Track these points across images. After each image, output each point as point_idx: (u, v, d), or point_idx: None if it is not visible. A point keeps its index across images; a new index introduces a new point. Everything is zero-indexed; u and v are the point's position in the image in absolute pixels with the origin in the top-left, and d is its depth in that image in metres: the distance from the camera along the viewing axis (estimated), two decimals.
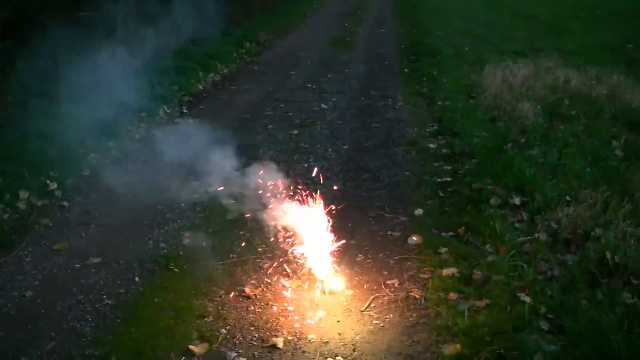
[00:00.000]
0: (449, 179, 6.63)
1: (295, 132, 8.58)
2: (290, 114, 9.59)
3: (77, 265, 5.12)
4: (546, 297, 4.21)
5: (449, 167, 6.98)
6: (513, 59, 11.63)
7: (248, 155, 6.85)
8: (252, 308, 4.46)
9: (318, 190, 4.91)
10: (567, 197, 5.58)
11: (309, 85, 11.57)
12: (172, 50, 12.41)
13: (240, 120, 9.27)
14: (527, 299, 4.16)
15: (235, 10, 16.28)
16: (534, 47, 13.45)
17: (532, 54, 12.32)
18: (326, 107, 10.00)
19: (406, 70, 12.83)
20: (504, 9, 21.56)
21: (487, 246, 5.05)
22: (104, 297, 4.65)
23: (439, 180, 6.64)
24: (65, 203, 6.33)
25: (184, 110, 9.66)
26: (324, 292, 4.60)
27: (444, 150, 7.60)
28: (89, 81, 7.30)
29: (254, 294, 4.61)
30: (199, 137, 6.58)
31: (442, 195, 6.26)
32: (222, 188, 5.94)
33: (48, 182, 6.50)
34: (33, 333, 4.21)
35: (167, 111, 9.32)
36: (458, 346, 3.85)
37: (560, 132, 7.64)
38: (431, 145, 7.83)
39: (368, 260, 5.08)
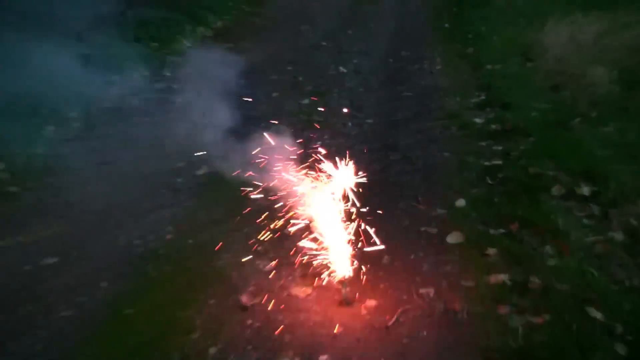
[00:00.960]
0: (499, 162, 6.59)
1: (306, 102, 8.59)
2: (301, 79, 9.64)
3: (27, 267, 5.17)
4: (623, 312, 4.17)
5: (499, 147, 6.96)
6: (583, 12, 11.54)
7: (246, 131, 6.84)
8: (250, 322, 4.45)
9: (334, 175, 4.85)
10: None
11: (325, 44, 11.61)
12: None
13: (237, 87, 9.27)
14: (598, 315, 4.13)
15: None
16: None
17: (606, 6, 12.22)
18: (346, 71, 10.04)
19: (446, 25, 12.84)
20: None
21: (547, 247, 5.00)
22: (62, 307, 4.68)
23: (486, 163, 6.61)
24: (13, 188, 6.39)
25: (167, 74, 9.69)
26: (341, 302, 4.60)
27: (493, 126, 7.58)
28: (46, 35, 7.32)
29: (253, 304, 4.62)
30: (185, 107, 6.60)
31: (490, 182, 6.23)
32: (212, 172, 5.97)
33: None
34: None
35: (145, 74, 9.35)
36: None
37: None
38: (477, 120, 7.82)
39: (396, 263, 5.07)
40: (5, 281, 5.00)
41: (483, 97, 8.62)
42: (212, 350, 4.18)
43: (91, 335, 4.37)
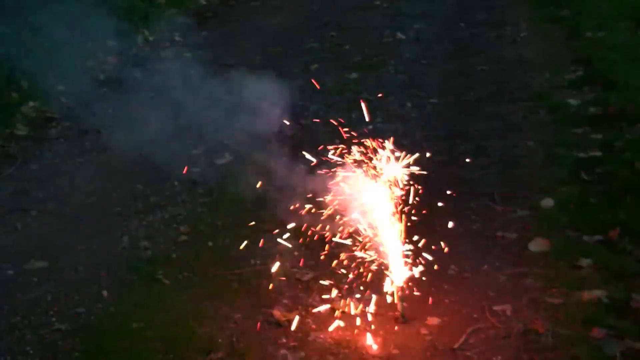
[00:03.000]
0: (597, 154, 6.73)
1: (353, 76, 8.77)
2: (347, 47, 9.80)
3: (10, 272, 5.42)
4: None
5: (599, 136, 7.08)
6: None
7: (278, 112, 6.96)
8: (284, 341, 4.64)
9: (388, 167, 4.97)
10: None
11: (377, 3, 11.68)
12: None
13: (266, 55, 9.44)
14: None
15: None
16: None
17: None
18: (404, 37, 10.19)
19: None
20: None
21: None
22: (53, 320, 4.90)
23: (581, 155, 6.75)
24: None
25: (177, 38, 9.85)
26: (398, 320, 4.79)
27: (592, 110, 7.70)
28: None
29: (288, 320, 4.80)
30: (199, 80, 6.75)
31: (585, 178, 6.37)
32: (234, 161, 6.11)
33: None
34: None
35: (150, 39, 9.52)
36: None
37: None
38: (571, 101, 7.96)
39: (465, 274, 5.27)
40: None
41: (581, 73, 8.73)
42: None
43: (92, 353, 4.58)
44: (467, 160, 6.87)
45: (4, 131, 7.24)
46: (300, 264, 5.36)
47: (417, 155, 4.87)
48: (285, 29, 10.53)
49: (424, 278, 5.04)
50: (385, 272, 4.96)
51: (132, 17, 9.32)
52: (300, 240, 5.37)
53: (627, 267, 5.13)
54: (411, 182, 4.91)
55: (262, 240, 5.50)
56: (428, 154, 5.11)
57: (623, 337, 4.47)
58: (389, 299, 4.88)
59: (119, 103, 7.40)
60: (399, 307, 4.81)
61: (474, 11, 11.14)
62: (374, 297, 4.97)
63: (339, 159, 4.99)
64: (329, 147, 5.07)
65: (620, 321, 4.61)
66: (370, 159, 4.85)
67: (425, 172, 4.86)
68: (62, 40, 7.36)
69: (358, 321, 4.79)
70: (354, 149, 4.91)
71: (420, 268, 5.04)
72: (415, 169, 4.89)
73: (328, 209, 5.13)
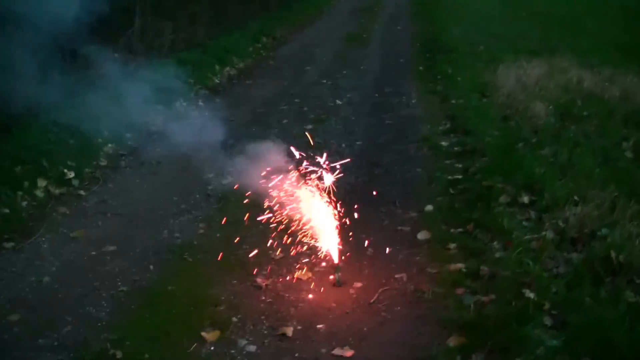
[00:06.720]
0: (459, 177, 6.66)
1: (309, 127, 8.66)
2: (305, 109, 9.70)
3: (93, 253, 5.26)
4: (551, 293, 4.26)
5: (460, 165, 7.02)
6: (527, 59, 11.64)
7: (261, 150, 6.89)
8: (264, 298, 4.57)
9: (330, 185, 4.94)
10: (576, 197, 5.59)
11: (324, 81, 11.67)
12: (189, 43, 12.55)
13: (255, 114, 9.39)
14: (532, 295, 4.21)
15: (251, 4, 16.43)
16: (549, 46, 13.37)
17: (546, 54, 12.29)
18: (341, 102, 10.10)
19: (421, 67, 12.86)
20: (521, 6, 21.39)
21: (495, 243, 5.09)
22: (119, 284, 4.78)
23: (450, 177, 6.67)
24: (82, 192, 6.48)
25: (200, 104, 9.77)
26: (335, 284, 4.70)
27: (456, 148, 7.63)
28: (107, 73, 7.43)
29: (266, 285, 4.72)
30: (214, 130, 6.68)
31: (452, 192, 6.30)
32: (235, 181, 6.03)
33: (66, 171, 6.65)
34: (50, 317, 4.34)
35: (184, 104, 9.42)
36: (463, 338, 3.93)
37: (571, 132, 7.66)
38: (443, 143, 7.86)
39: (378, 254, 5.15)
40: (76, 263, 5.11)
41: (449, 125, 8.65)
42: (234, 319, 4.29)
43: (143, 305, 4.50)
44: (380, 180, 6.80)
45: (93, 163, 7.10)
46: (274, 248, 5.22)
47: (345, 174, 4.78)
48: (267, 97, 10.47)
49: (351, 256, 5.02)
50: (327, 252, 4.92)
51: (173, 91, 9.15)
52: (274, 232, 5.25)
53: (478, 248, 5.08)
54: (343, 192, 4.85)
55: (250, 233, 5.43)
56: (355, 176, 4.98)
57: (475, 293, 4.46)
58: (329, 270, 4.85)
59: (163, 145, 7.28)
60: (335, 275, 4.74)
61: (384, 86, 11.16)
62: (320, 269, 4.93)
63: (298, 180, 5.00)
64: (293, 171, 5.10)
65: (473, 283, 4.60)
66: (317, 179, 4.86)
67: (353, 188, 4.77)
68: (129, 106, 7.21)
69: (310, 285, 4.74)
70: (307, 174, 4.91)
71: (349, 249, 5.02)
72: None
73: (293, 213, 5.10)
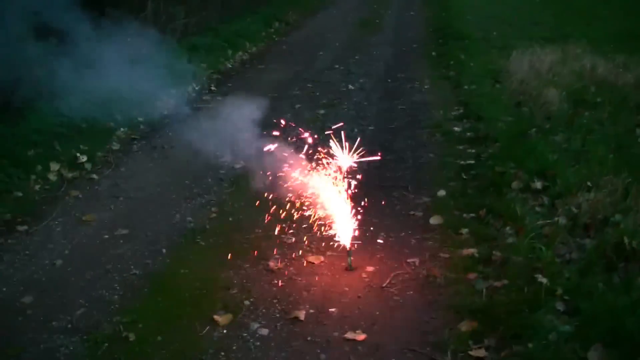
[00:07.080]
0: (472, 162, 6.65)
1: (322, 111, 8.67)
2: (318, 94, 9.70)
3: (106, 236, 5.28)
4: (563, 279, 4.24)
5: (473, 151, 7.01)
6: (541, 45, 11.56)
7: (274, 134, 6.89)
8: (276, 281, 4.56)
9: (342, 171, 4.92)
10: (589, 183, 5.56)
11: (337, 66, 11.65)
12: (201, 28, 12.53)
13: (267, 99, 9.33)
14: (544, 280, 4.19)
15: None
16: (563, 33, 13.29)
17: (560, 40, 12.20)
18: (353, 88, 10.09)
19: (433, 53, 12.81)
20: None
21: (507, 228, 5.07)
22: (132, 267, 4.80)
23: (462, 162, 6.67)
24: (94, 176, 6.52)
25: (212, 88, 9.79)
26: (347, 268, 4.70)
27: (469, 134, 7.62)
28: (120, 58, 7.42)
29: (278, 268, 4.72)
30: (226, 114, 6.66)
31: (464, 177, 6.30)
32: (247, 165, 6.04)
33: (78, 155, 6.70)
34: (62, 299, 4.38)
35: (196, 88, 9.45)
36: (475, 323, 3.92)
37: (584, 119, 7.61)
38: (456, 129, 7.85)
39: (390, 239, 5.15)
40: (89, 246, 5.13)
41: (461, 111, 8.62)
42: (247, 303, 4.29)
43: (155, 288, 4.51)
44: (392, 165, 6.78)
45: (105, 147, 7.14)
46: (286, 232, 5.23)
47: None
48: (280, 82, 10.45)
49: (363, 240, 4.99)
50: (339, 238, 4.89)
51: (185, 75, 9.17)
52: (286, 216, 5.28)
53: (490, 234, 5.06)
54: (357, 177, 4.87)
55: (262, 217, 5.35)
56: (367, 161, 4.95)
57: (487, 278, 4.44)
58: (342, 254, 4.83)
59: (175, 128, 7.31)
60: (348, 260, 4.72)
61: (396, 72, 11.13)
62: (332, 253, 4.90)
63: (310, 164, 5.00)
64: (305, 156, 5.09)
65: (485, 268, 4.58)
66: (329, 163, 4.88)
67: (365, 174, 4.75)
68: (142, 90, 7.19)
69: (322, 269, 4.73)
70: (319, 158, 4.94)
71: (361, 234, 4.96)
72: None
73: (305, 198, 5.12)
